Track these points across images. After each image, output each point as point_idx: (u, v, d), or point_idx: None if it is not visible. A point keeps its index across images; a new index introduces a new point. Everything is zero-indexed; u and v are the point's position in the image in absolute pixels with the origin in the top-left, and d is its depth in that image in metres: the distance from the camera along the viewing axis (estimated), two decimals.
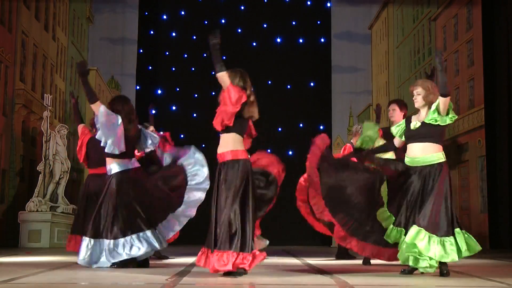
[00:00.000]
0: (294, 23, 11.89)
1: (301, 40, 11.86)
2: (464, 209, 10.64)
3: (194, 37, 11.80)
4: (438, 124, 5.11)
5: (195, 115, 11.56)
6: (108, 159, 5.74)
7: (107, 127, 5.63)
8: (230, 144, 4.93)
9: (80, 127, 6.93)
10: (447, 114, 5.07)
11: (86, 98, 5.72)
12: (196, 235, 10.83)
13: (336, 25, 11.57)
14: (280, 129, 11.46)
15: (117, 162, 5.74)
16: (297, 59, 11.60)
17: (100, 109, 5.59)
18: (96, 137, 5.74)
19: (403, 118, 6.06)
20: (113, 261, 5.52)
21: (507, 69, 10.17)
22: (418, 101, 5.18)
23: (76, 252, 6.20)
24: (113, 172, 5.70)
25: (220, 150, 4.93)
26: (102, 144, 5.68)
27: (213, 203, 4.85)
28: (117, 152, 5.73)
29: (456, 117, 5.17)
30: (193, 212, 6.00)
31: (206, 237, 4.80)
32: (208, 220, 4.83)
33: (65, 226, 10.12)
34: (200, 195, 5.87)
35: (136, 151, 6.36)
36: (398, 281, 4.71)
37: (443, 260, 4.87)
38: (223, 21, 11.83)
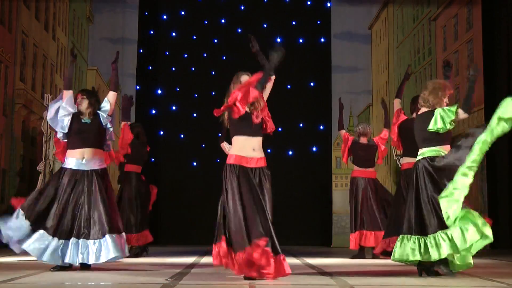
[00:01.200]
0: (294, 23, 11.88)
1: (301, 40, 11.85)
2: None
3: (194, 37, 11.79)
4: None
5: (195, 115, 11.56)
6: (102, 152, 5.68)
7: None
8: (262, 150, 4.93)
9: (124, 124, 7.53)
10: None
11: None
12: (195, 235, 10.87)
13: (336, 25, 11.55)
14: (280, 129, 11.44)
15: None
16: (297, 59, 11.59)
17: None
18: (110, 126, 5.71)
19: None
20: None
21: (507, 69, 10.17)
22: None
23: None
24: (105, 166, 5.68)
25: (259, 154, 4.84)
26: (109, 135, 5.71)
27: (253, 203, 4.64)
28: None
29: None
30: None
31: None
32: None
33: None
34: None
35: None
36: (398, 281, 4.71)
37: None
38: (223, 21, 11.83)
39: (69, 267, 5.34)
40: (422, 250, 4.85)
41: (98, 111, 5.67)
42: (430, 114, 5.10)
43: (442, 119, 5.01)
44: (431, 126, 5.03)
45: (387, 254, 6.61)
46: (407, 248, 4.92)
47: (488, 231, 4.71)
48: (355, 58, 11.51)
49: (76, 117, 5.62)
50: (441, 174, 4.92)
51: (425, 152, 5.10)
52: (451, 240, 4.74)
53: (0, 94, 10.13)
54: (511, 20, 10.17)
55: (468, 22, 10.89)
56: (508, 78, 10.13)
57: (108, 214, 5.38)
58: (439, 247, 4.78)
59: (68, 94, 5.66)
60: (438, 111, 5.04)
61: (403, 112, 6.83)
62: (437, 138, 5.07)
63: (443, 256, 4.80)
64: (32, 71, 10.86)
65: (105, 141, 5.71)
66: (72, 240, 5.28)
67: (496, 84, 10.34)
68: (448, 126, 5.02)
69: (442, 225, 4.82)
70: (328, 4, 11.70)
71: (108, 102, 5.69)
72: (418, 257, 4.86)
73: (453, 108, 5.03)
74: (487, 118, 10.21)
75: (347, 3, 11.53)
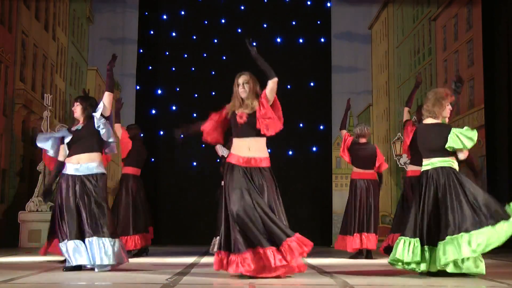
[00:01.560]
0: (294, 23, 11.87)
1: (301, 40, 11.84)
2: None
3: (194, 37, 11.79)
4: None
5: (195, 115, 11.55)
6: (98, 155, 5.65)
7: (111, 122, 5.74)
8: (266, 150, 5.04)
9: (119, 126, 7.74)
10: None
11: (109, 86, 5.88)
12: (195, 235, 10.87)
13: (336, 25, 11.54)
14: None
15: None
16: (297, 59, 11.58)
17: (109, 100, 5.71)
18: (102, 128, 5.68)
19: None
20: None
21: (507, 69, 10.16)
22: None
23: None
24: (102, 170, 5.67)
25: (255, 154, 4.92)
26: (107, 137, 5.68)
27: (257, 203, 4.72)
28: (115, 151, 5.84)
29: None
30: None
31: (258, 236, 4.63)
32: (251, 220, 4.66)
33: None
34: None
35: None
36: (398, 281, 4.71)
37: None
38: (223, 21, 11.82)
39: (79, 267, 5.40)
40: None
41: (93, 114, 5.68)
42: (443, 128, 5.18)
43: (460, 140, 5.08)
44: (450, 145, 5.10)
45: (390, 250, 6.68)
46: (403, 250, 5.00)
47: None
48: (355, 58, 11.50)
49: (69, 129, 5.72)
50: (451, 203, 5.00)
51: (435, 162, 5.15)
52: (429, 257, 4.95)
53: (0, 94, 10.13)
54: (511, 20, 10.16)
55: (468, 22, 10.89)
56: (508, 78, 10.13)
57: (105, 218, 5.42)
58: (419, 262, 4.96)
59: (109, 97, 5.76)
60: (453, 132, 5.10)
61: (411, 123, 6.90)
62: (447, 150, 5.15)
63: (419, 271, 4.98)
64: (32, 71, 10.86)
65: (103, 143, 5.69)
66: (80, 241, 5.34)
67: (496, 84, 10.34)
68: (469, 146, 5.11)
69: (429, 240, 4.97)
70: (328, 4, 11.70)
71: (102, 104, 5.70)
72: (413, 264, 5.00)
73: (474, 136, 5.11)
74: (487, 118, 10.28)
75: (347, 3, 11.52)
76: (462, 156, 5.14)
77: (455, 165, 5.17)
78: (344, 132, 8.06)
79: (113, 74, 5.91)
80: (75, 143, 5.59)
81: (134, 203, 7.78)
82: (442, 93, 5.27)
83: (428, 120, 5.29)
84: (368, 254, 7.64)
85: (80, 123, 5.68)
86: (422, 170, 5.24)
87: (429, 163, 5.18)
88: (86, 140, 5.58)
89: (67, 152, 5.61)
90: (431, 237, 4.97)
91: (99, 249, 5.28)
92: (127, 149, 7.79)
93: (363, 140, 7.93)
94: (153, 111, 11.63)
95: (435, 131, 5.19)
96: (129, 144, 7.78)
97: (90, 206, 5.38)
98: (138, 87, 11.30)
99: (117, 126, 7.73)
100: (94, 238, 5.29)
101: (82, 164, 5.51)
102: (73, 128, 5.68)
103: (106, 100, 5.68)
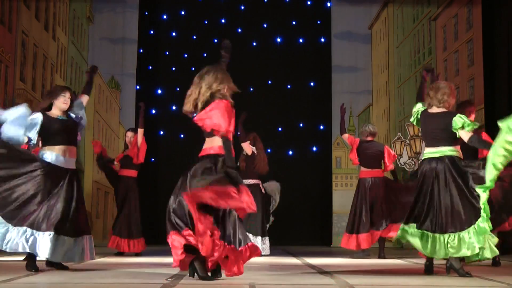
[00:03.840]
0: (294, 23, 11.89)
1: (301, 40, 11.85)
2: None
3: (194, 37, 11.80)
4: None
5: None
6: (74, 149, 5.65)
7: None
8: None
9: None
10: None
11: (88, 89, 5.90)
12: None
13: (336, 25, 11.56)
14: (280, 129, 11.45)
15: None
16: (297, 59, 11.59)
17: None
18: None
19: None
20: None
21: (507, 69, 10.16)
22: None
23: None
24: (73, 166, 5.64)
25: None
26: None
27: None
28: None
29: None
30: None
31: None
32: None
33: None
34: None
35: None
36: (398, 281, 4.71)
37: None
38: (223, 21, 11.83)
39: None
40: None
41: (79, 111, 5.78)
42: (449, 116, 5.32)
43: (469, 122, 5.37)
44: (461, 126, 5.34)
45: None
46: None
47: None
48: (355, 58, 11.51)
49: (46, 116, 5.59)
50: (467, 178, 5.16)
51: (445, 150, 5.27)
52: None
53: (0, 94, 10.13)
54: (511, 20, 10.16)
55: (468, 22, 10.89)
56: (508, 78, 10.12)
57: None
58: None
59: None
60: (458, 117, 5.33)
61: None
62: (456, 139, 5.30)
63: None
64: (32, 71, 10.86)
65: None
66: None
67: (496, 84, 10.34)
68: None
69: (435, 228, 5.05)
70: (328, 4, 11.71)
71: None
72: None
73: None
74: (487, 118, 10.28)
75: (347, 3, 11.53)
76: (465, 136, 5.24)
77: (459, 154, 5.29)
78: (346, 136, 8.03)
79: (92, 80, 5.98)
80: (61, 134, 5.56)
81: (123, 205, 7.84)
82: (449, 86, 5.45)
83: (438, 109, 5.37)
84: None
85: (60, 115, 5.61)
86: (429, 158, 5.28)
87: (437, 151, 5.27)
88: (72, 133, 5.61)
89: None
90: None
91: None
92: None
93: (370, 138, 7.87)
94: (153, 111, 11.63)
95: (443, 118, 5.33)
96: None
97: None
98: (138, 87, 11.30)
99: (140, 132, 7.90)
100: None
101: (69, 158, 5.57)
102: (55, 116, 5.57)
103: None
